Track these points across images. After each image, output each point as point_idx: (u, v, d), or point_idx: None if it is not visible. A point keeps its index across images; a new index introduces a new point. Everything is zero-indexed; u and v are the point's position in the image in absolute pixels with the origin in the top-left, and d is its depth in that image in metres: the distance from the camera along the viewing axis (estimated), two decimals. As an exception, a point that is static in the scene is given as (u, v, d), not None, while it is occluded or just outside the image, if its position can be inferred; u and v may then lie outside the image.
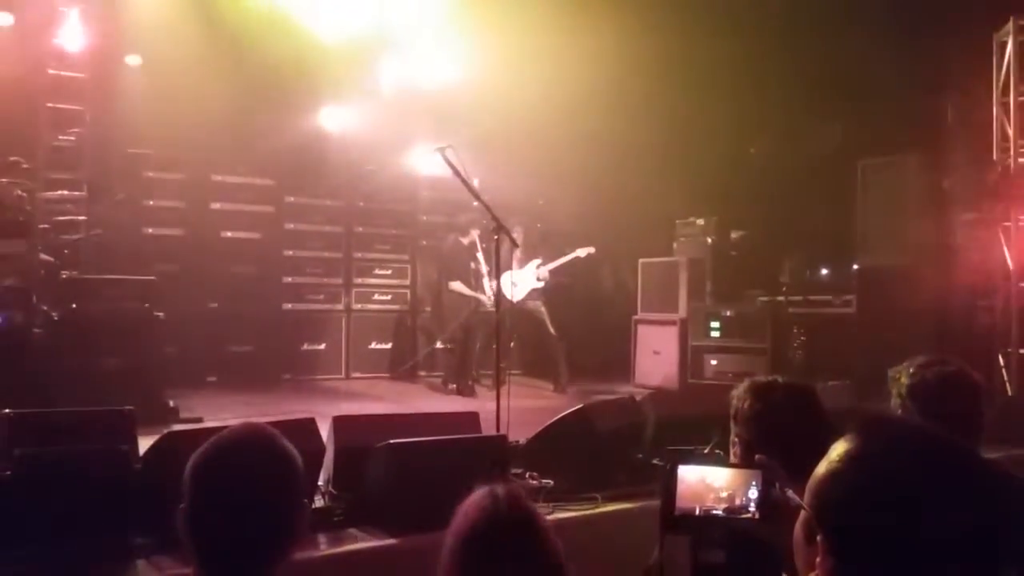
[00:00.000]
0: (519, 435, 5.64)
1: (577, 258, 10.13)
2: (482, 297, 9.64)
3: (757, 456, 1.85)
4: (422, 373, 10.65)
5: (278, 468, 1.87)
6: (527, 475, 5.22)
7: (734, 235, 10.96)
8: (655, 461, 5.44)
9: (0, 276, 7.09)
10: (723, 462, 1.80)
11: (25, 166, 7.81)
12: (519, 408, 6.43)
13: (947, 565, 1.20)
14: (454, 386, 9.63)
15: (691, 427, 5.46)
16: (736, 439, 2.34)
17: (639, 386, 10.02)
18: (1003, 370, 8.30)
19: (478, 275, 9.73)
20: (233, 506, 1.80)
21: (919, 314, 8.43)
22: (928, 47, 8.67)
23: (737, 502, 1.69)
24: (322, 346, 10.54)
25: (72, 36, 8.72)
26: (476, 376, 9.75)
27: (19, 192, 7.59)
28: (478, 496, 2.02)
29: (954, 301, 8.63)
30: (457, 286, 9.75)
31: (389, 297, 11.12)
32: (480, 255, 9.71)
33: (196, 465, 1.86)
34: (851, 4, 9.40)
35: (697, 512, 1.69)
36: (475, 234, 9.68)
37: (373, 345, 10.89)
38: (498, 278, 7.69)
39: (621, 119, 10.09)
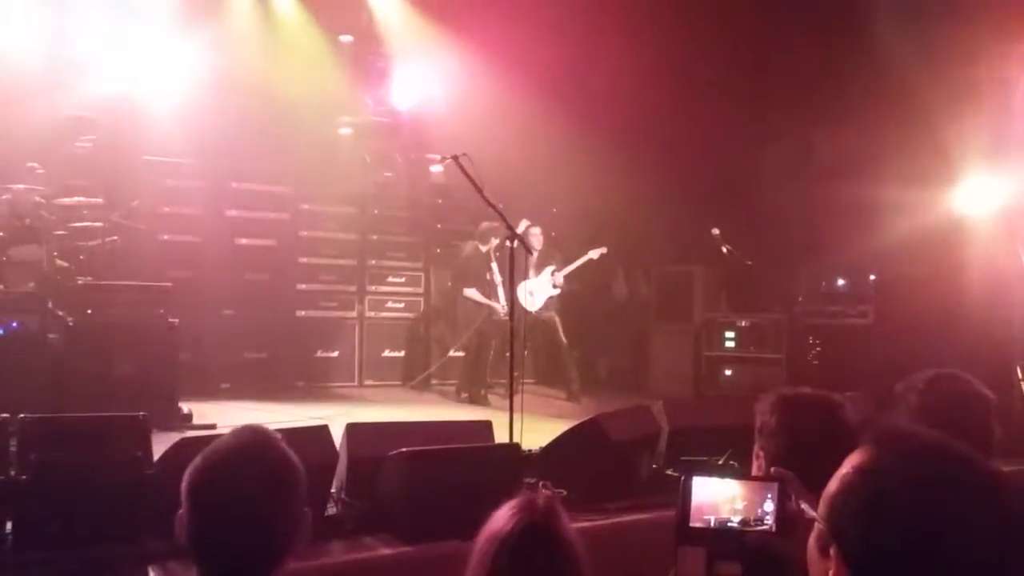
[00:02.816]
0: (532, 444, 5.63)
1: (591, 261, 10.10)
2: (496, 306, 9.63)
3: (773, 468, 1.82)
4: (435, 381, 10.64)
5: (274, 477, 1.86)
6: (540, 484, 5.20)
7: (749, 244, 10.91)
8: (669, 471, 5.42)
9: (17, 282, 7.13)
10: (739, 474, 1.78)
11: (41, 172, 7.85)
12: (532, 417, 6.41)
13: None
14: (467, 395, 9.62)
15: (705, 437, 5.45)
16: (760, 452, 2.29)
17: (652, 396, 9.97)
18: (1021, 383, 8.23)
19: (493, 284, 9.72)
20: (227, 517, 1.81)
21: (936, 325, 8.37)
22: (945, 59, 8.64)
23: (753, 514, 1.67)
24: (335, 353, 10.54)
25: (90, 43, 8.79)
26: (489, 384, 9.73)
27: (36, 198, 7.64)
28: (516, 502, 2.00)
29: (971, 312, 8.57)
30: (472, 293, 9.75)
31: (403, 305, 11.11)
32: (495, 265, 9.71)
33: (192, 476, 1.87)
34: (869, 17, 9.37)
35: (712, 524, 1.67)
36: (494, 243, 9.67)
37: (386, 353, 10.88)
38: (512, 285, 7.68)
39: (636, 126, 10.08)
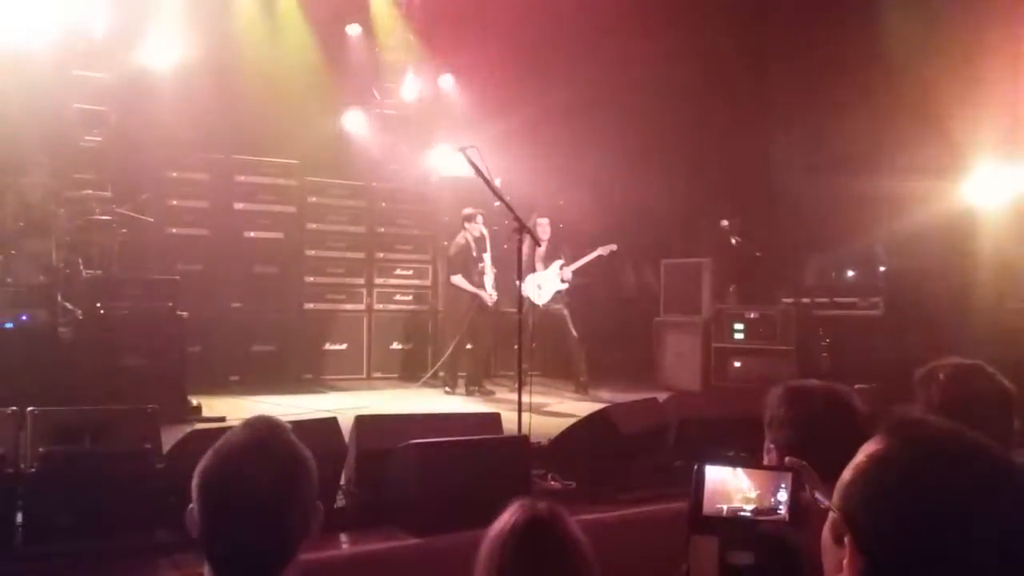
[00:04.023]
0: (540, 436, 5.62)
1: (600, 257, 10.08)
2: (483, 294, 9.63)
3: (787, 458, 1.82)
4: (443, 374, 10.65)
5: (286, 470, 1.84)
6: (549, 476, 5.20)
7: (758, 236, 10.87)
8: (677, 463, 5.40)
9: (26, 275, 7.14)
10: (752, 463, 1.77)
11: (50, 166, 7.86)
12: (540, 410, 6.40)
13: (976, 567, 1.18)
14: (475, 387, 9.58)
15: (714, 429, 5.43)
16: (772, 446, 2.28)
17: (661, 388, 9.96)
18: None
19: (481, 272, 9.71)
20: (239, 512, 1.80)
21: (947, 316, 8.33)
22: (956, 48, 8.59)
23: (766, 504, 1.67)
24: (343, 346, 10.55)
25: (97, 37, 8.80)
26: (491, 376, 9.74)
27: (45, 192, 7.65)
28: (518, 505, 2.00)
29: (982, 303, 8.53)
30: (458, 280, 9.73)
31: (410, 297, 11.13)
32: (487, 254, 9.71)
33: (203, 470, 1.85)
34: (879, 6, 9.31)
35: (725, 513, 1.66)
36: (481, 228, 9.69)
37: (394, 346, 10.90)
38: (520, 279, 7.66)
39: (644, 118, 10.05)
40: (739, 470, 1.70)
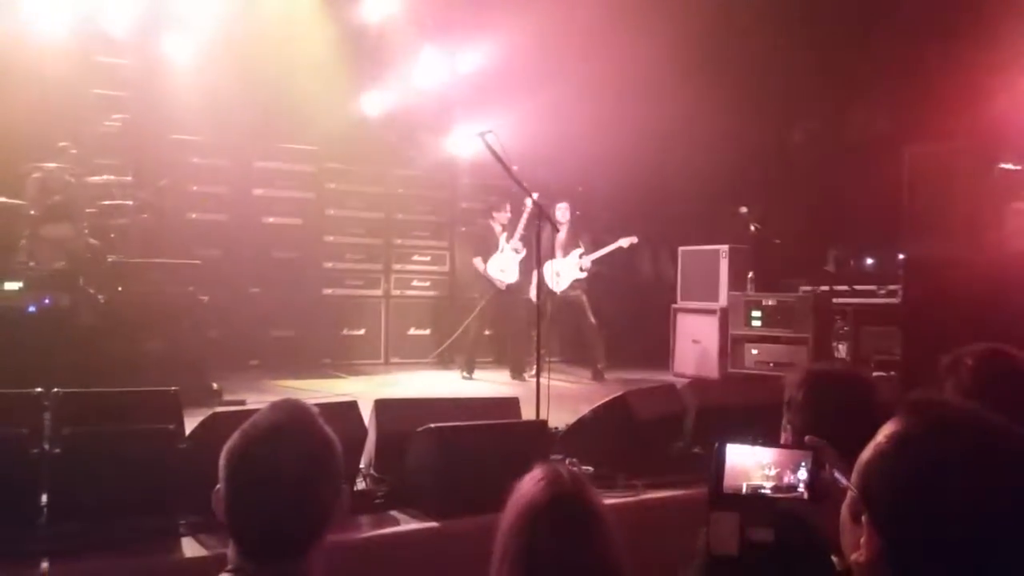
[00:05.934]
0: (558, 421, 5.64)
1: (619, 248, 10.09)
2: (494, 279, 9.69)
3: (807, 437, 1.83)
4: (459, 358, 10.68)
5: (314, 452, 1.85)
6: (567, 461, 5.22)
7: (777, 223, 10.82)
8: (695, 450, 5.41)
9: (48, 259, 7.21)
10: (772, 442, 1.79)
11: (73, 151, 7.91)
12: (558, 395, 6.42)
13: (995, 546, 1.19)
14: (518, 373, 9.60)
15: (731, 416, 5.43)
16: (788, 426, 2.29)
17: (678, 375, 9.96)
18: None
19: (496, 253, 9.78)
20: (268, 491, 1.80)
21: (967, 305, 8.26)
22: (978, 30, 8.49)
23: (785, 482, 1.68)
24: (362, 331, 10.62)
25: (117, 23, 8.84)
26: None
27: (67, 177, 7.70)
28: (541, 474, 2.00)
29: (1003, 292, 8.45)
30: (476, 262, 9.82)
31: (428, 283, 11.18)
32: (505, 237, 9.75)
33: (231, 450, 1.85)
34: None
35: (745, 490, 1.68)
36: (509, 215, 9.76)
37: (412, 331, 10.95)
38: (539, 266, 7.68)
39: (662, 104, 10.01)
40: (759, 448, 1.71)
